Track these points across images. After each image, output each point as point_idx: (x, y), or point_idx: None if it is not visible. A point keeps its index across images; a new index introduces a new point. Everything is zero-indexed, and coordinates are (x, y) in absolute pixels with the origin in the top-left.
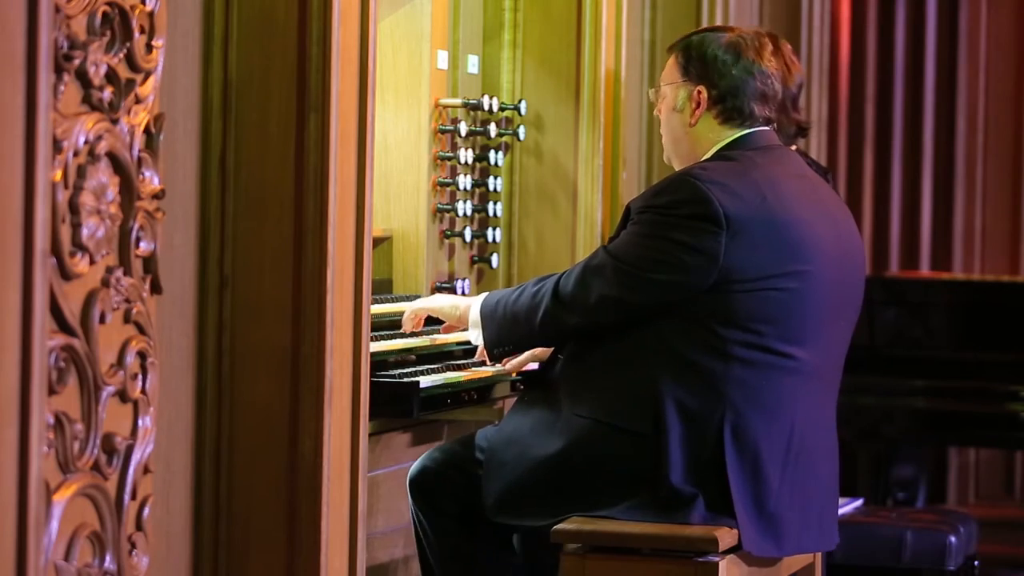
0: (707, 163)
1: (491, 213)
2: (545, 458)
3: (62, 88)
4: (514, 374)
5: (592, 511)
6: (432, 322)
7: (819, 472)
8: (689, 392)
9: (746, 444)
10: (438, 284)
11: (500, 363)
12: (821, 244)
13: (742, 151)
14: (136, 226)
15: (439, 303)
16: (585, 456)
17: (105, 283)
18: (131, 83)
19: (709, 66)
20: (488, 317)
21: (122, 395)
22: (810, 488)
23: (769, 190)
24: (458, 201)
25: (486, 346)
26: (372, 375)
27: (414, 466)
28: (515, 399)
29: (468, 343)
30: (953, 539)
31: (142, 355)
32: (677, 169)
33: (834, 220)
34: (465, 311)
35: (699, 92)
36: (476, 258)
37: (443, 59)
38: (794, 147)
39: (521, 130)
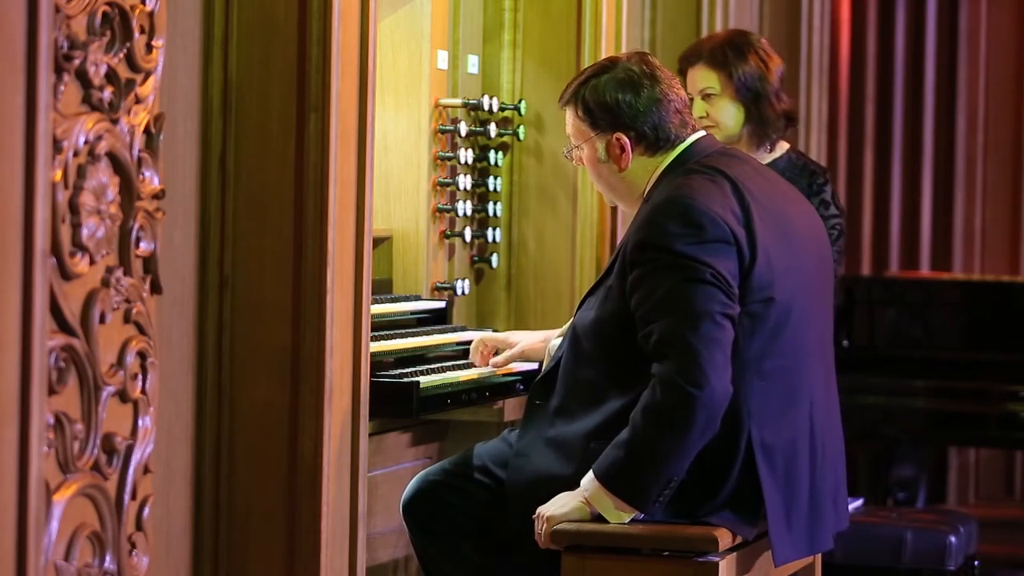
0: (684, 182)
1: (491, 213)
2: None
3: (62, 88)
4: (499, 373)
5: None
6: (432, 321)
7: (835, 461)
8: None
9: (776, 455)
10: (437, 284)
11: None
12: (802, 235)
13: (697, 161)
14: (136, 226)
15: (565, 509)
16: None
17: (105, 283)
18: (131, 83)
19: (615, 112)
20: (618, 480)
21: (122, 395)
22: (828, 483)
23: (751, 196)
24: (458, 201)
25: (645, 509)
26: (372, 375)
27: (406, 490)
28: (516, 399)
29: (468, 343)
30: (953, 539)
31: (142, 355)
32: (624, 209)
33: (799, 207)
34: (583, 504)
35: (618, 139)
36: (476, 258)
37: (443, 59)
38: (787, 145)
39: (521, 130)
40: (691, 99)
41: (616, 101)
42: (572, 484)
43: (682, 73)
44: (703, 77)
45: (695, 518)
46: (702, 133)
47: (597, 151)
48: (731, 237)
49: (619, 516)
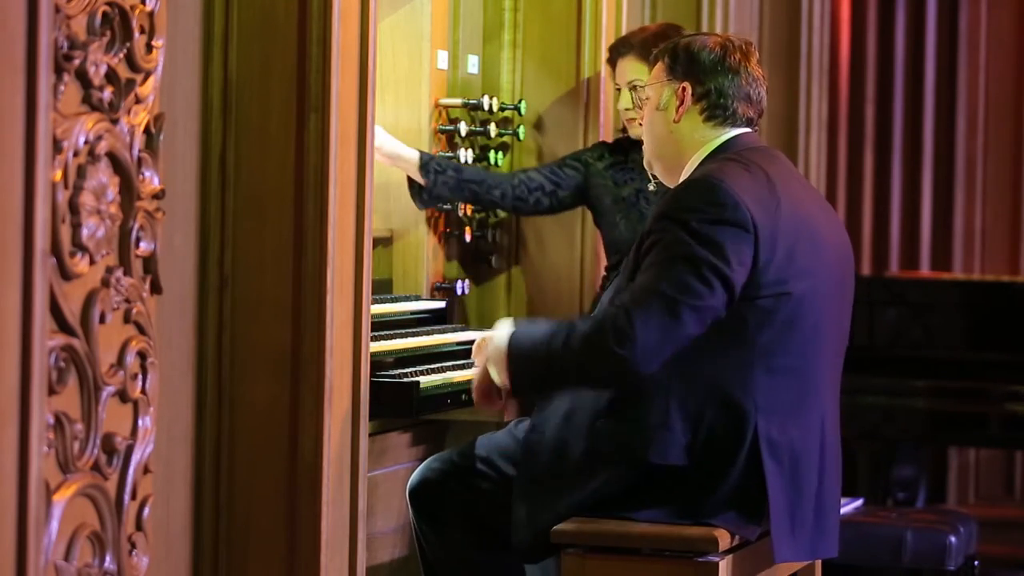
0: (719, 167)
1: (491, 213)
2: (577, 501)
3: (62, 88)
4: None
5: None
6: (432, 321)
7: (837, 478)
8: (719, 407)
9: (782, 454)
10: (437, 285)
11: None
12: (822, 241)
13: (737, 152)
14: (136, 226)
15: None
16: (620, 488)
17: (105, 283)
18: (131, 83)
19: (695, 63)
20: (519, 360)
21: (122, 395)
22: (831, 495)
23: (783, 192)
24: (458, 201)
25: (515, 392)
26: (372, 375)
27: (413, 477)
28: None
29: (469, 343)
30: (953, 539)
31: (142, 355)
32: (659, 174)
33: (828, 215)
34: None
35: (683, 89)
36: (476, 258)
37: (443, 59)
38: None
39: (521, 130)
40: (618, 90)
41: (701, 55)
42: (579, 462)
43: (611, 63)
44: (632, 68)
45: (698, 517)
46: (749, 130)
47: (661, 97)
48: (750, 225)
49: (499, 376)
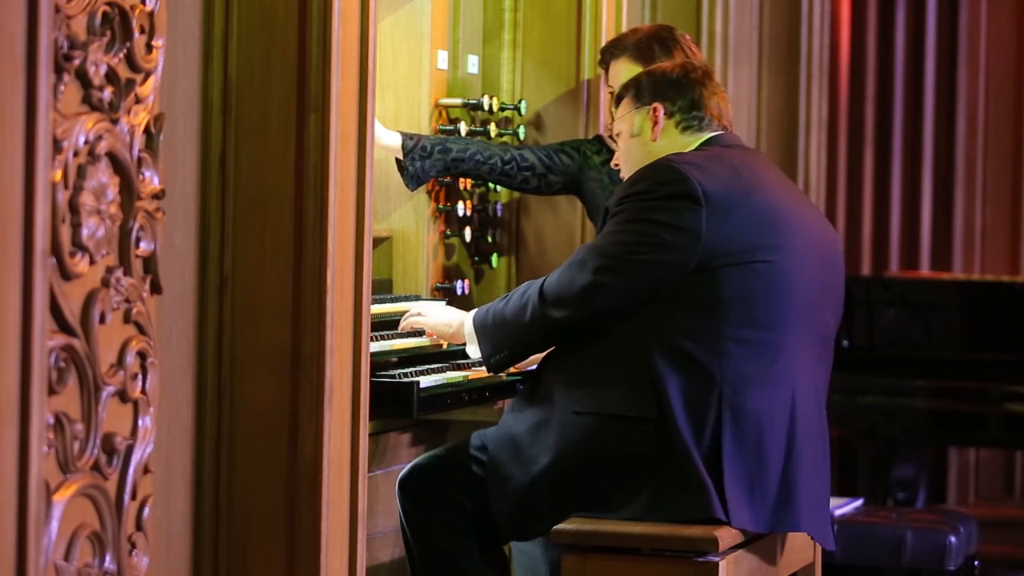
0: (680, 153)
1: (491, 213)
2: (549, 464)
3: (62, 88)
4: (505, 376)
5: (607, 509)
6: None
7: (816, 457)
8: (686, 375)
9: (746, 423)
10: (437, 285)
11: (501, 373)
12: (798, 222)
13: (715, 148)
14: (136, 226)
15: (433, 320)
16: (590, 454)
17: (105, 283)
18: (131, 83)
19: (660, 85)
20: (480, 328)
21: (122, 395)
22: (805, 471)
23: (744, 170)
24: (458, 201)
25: (483, 358)
26: (372, 375)
27: (404, 469)
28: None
29: None
30: (953, 539)
31: (142, 355)
32: None
33: (807, 208)
34: (459, 328)
35: (655, 110)
36: (476, 258)
37: (443, 59)
38: None
39: (521, 130)
40: (611, 92)
41: (663, 77)
42: (558, 421)
43: (604, 65)
44: (627, 71)
45: (660, 473)
46: (723, 132)
47: (633, 126)
48: (700, 197)
49: (472, 349)
